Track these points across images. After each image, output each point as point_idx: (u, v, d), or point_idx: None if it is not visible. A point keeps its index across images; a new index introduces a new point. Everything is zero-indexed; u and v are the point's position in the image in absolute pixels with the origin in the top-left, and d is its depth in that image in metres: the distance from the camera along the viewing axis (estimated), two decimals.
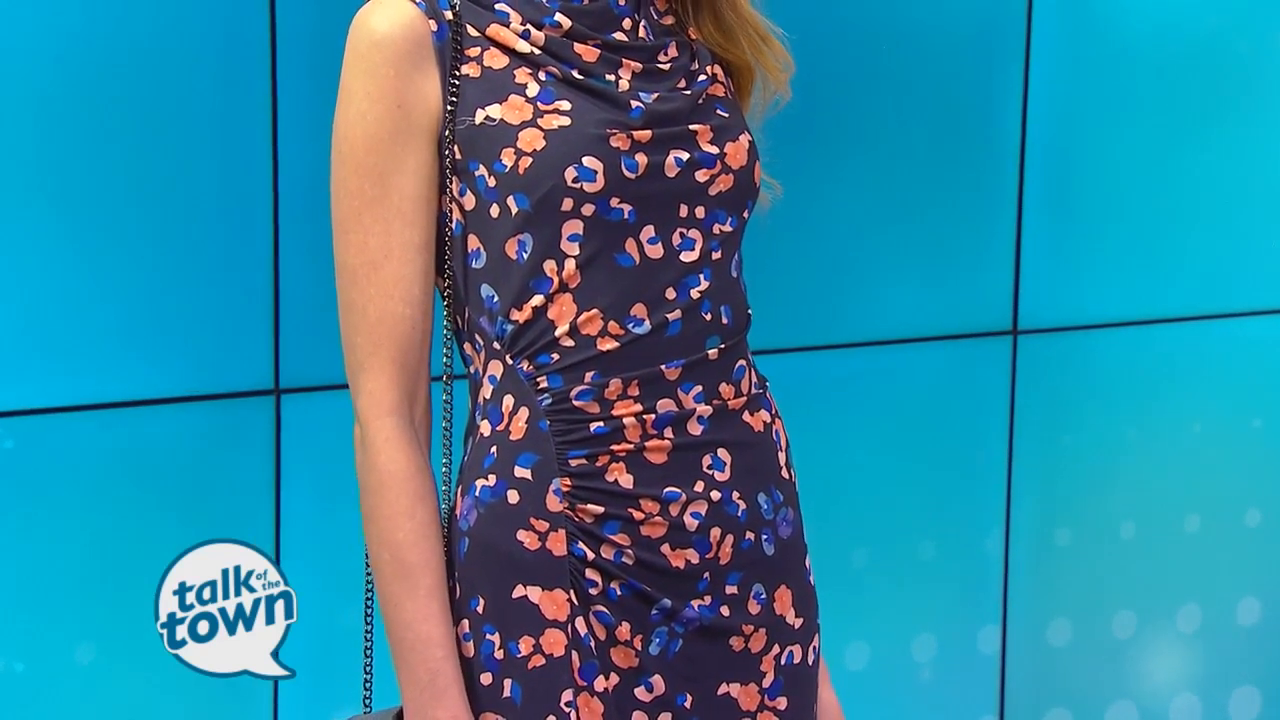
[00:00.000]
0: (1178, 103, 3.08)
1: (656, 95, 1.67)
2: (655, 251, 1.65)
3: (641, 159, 1.64)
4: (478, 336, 1.68)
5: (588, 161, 1.62)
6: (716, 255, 1.69)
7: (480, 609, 1.65)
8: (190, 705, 2.41)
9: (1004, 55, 2.94)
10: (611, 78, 1.67)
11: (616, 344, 1.64)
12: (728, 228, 1.70)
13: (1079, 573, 3.16)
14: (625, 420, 1.64)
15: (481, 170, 1.64)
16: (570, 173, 1.61)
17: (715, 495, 1.67)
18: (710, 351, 1.68)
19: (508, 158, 1.62)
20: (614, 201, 1.63)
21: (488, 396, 1.67)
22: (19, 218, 2.30)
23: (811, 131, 2.69)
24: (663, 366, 1.65)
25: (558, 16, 1.67)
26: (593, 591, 1.64)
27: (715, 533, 1.68)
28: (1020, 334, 3.02)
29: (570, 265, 1.63)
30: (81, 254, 2.33)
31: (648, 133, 1.65)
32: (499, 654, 1.64)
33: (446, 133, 1.64)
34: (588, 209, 1.62)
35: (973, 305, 2.98)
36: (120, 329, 2.36)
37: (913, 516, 2.98)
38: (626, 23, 1.70)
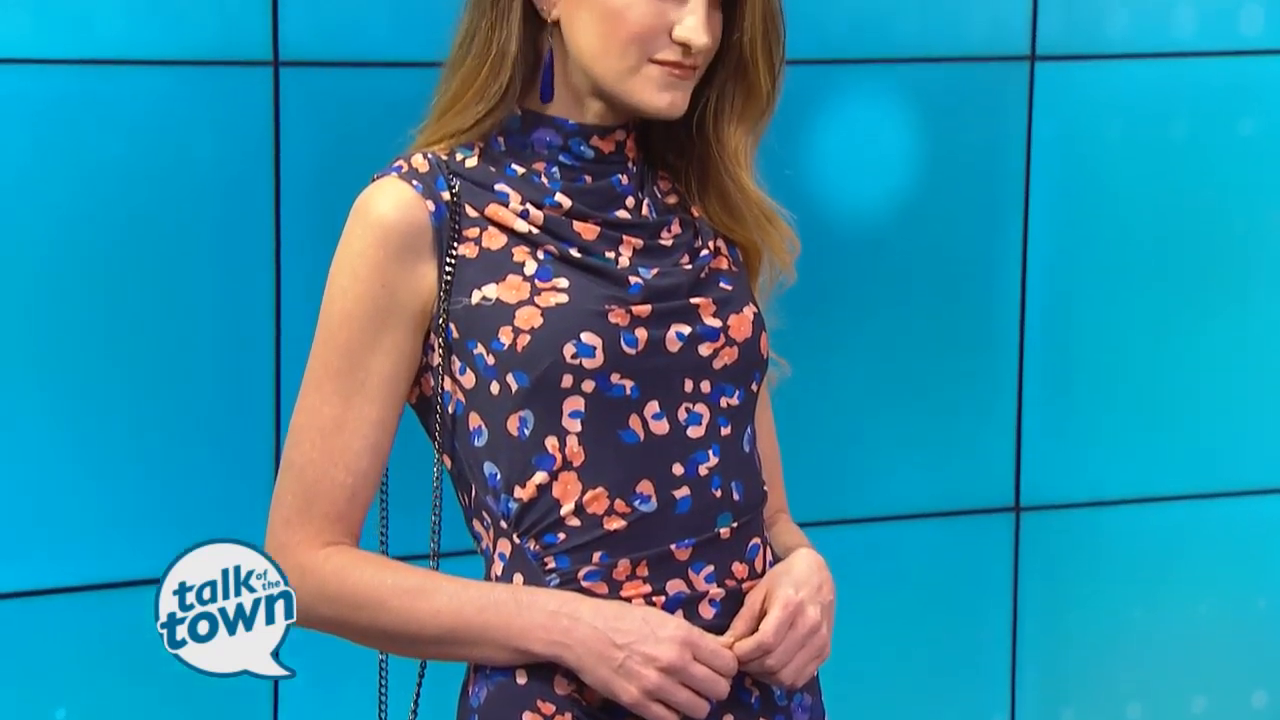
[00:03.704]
0: (1177, 279, 3.10)
1: (656, 270, 1.67)
2: (660, 427, 1.64)
3: (641, 334, 1.63)
4: (485, 514, 1.67)
5: (586, 338, 1.61)
6: (725, 430, 1.67)
7: None
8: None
9: (1002, 232, 2.97)
10: (611, 255, 1.67)
11: (624, 523, 1.62)
12: (735, 401, 1.69)
13: None
14: (634, 603, 1.61)
15: (480, 349, 1.63)
16: (569, 349, 1.60)
17: None
18: (722, 530, 1.65)
19: (505, 336, 1.61)
20: (615, 377, 1.62)
21: (498, 574, 1.65)
22: (14, 401, 2.32)
23: (812, 307, 2.71)
24: (672, 546, 1.63)
25: (558, 196, 1.67)
26: None
27: (727, 719, 1.65)
28: (1023, 510, 3.01)
29: (573, 442, 1.62)
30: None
31: (647, 308, 1.64)
32: None
33: (442, 313, 1.64)
34: (588, 385, 1.61)
35: (974, 481, 2.97)
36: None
37: (915, 696, 2.95)
38: (629, 201, 1.71)
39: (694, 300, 1.68)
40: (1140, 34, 3.01)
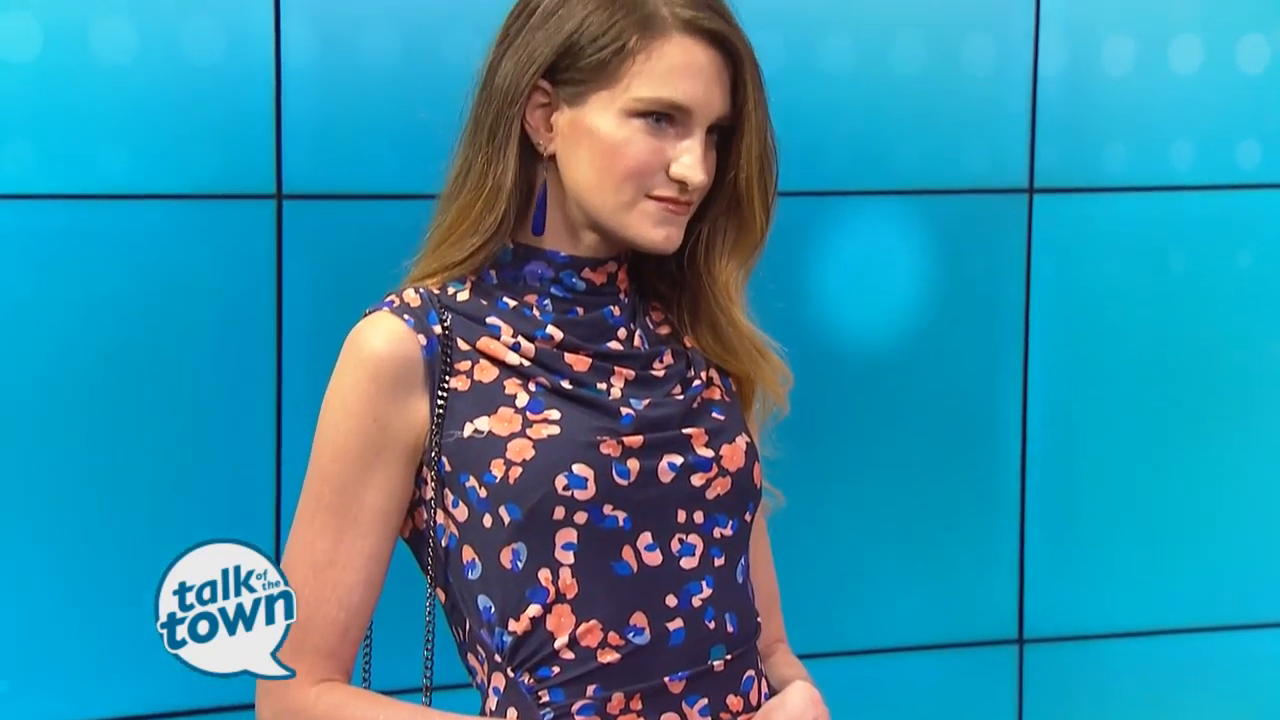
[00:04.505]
0: (1178, 411, 3.10)
1: (648, 401, 1.67)
2: (653, 559, 1.63)
3: (633, 465, 1.63)
4: (479, 648, 1.66)
5: (578, 469, 1.61)
6: (719, 561, 1.67)
7: None
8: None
9: (1002, 363, 2.97)
10: (603, 386, 1.67)
11: (618, 655, 1.61)
12: (729, 532, 1.68)
13: None
14: None
15: (472, 481, 1.63)
16: (561, 481, 1.60)
17: None
18: (715, 662, 1.64)
19: (497, 468, 1.61)
20: (607, 509, 1.62)
21: (493, 708, 1.65)
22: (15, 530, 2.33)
23: (813, 438, 2.71)
24: (666, 679, 1.62)
25: (550, 329, 1.68)
26: None
27: None
28: (1026, 643, 2.99)
29: (566, 574, 1.61)
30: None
31: (639, 438, 1.64)
32: None
33: (434, 446, 1.65)
34: (580, 517, 1.61)
35: (976, 613, 2.96)
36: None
37: None
38: (621, 332, 1.72)
39: (686, 430, 1.68)
40: (1137, 167, 3.03)
